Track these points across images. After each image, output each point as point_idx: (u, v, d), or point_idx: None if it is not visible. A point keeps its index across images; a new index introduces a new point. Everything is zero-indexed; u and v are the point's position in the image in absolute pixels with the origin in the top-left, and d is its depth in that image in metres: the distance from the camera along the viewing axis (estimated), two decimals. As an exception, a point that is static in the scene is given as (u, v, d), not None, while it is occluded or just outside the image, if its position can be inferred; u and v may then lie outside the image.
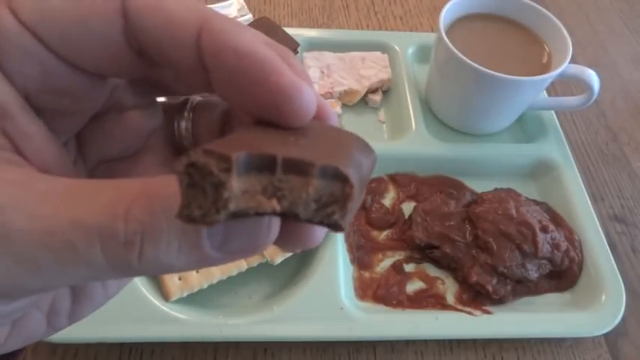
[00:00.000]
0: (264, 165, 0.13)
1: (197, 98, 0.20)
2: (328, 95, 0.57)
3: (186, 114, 0.20)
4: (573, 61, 0.50)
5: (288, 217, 0.13)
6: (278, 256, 0.42)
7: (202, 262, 0.14)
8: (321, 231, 0.16)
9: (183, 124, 0.20)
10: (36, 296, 0.16)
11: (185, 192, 0.12)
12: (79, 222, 0.13)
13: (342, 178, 0.13)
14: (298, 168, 0.13)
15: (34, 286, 0.14)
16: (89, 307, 0.18)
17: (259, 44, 0.15)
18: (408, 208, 0.51)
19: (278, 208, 0.13)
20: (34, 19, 0.14)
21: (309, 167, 0.13)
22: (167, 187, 0.13)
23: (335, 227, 0.13)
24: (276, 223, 0.14)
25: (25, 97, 0.15)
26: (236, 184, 0.12)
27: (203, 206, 0.12)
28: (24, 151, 0.15)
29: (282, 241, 0.15)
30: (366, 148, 0.16)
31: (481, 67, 0.48)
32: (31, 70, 0.15)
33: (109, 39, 0.15)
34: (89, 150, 0.19)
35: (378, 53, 0.62)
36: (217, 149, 0.12)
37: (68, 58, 0.15)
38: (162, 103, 0.20)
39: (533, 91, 0.53)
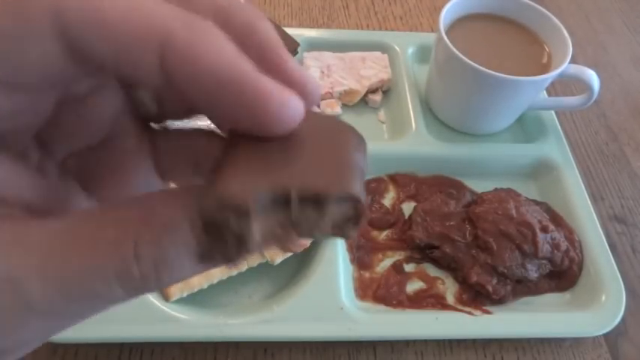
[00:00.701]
0: (279, 202, 0.13)
1: None
2: (328, 95, 0.57)
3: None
4: (573, 61, 0.50)
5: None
6: (278, 256, 0.42)
7: (214, 266, 0.14)
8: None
9: (144, 94, 0.18)
10: None
11: (205, 244, 0.13)
12: (93, 271, 0.13)
13: (354, 199, 0.13)
14: (313, 197, 0.13)
15: (63, 329, 0.14)
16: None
17: (236, 59, 0.13)
18: (408, 208, 0.51)
19: (297, 238, 0.13)
20: None
21: (325, 198, 0.13)
22: (165, 214, 0.13)
23: (347, 238, 0.14)
24: None
25: None
26: (256, 230, 0.12)
27: (226, 254, 0.13)
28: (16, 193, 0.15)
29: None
30: (360, 140, 0.16)
31: (481, 67, 0.48)
32: None
33: (46, 63, 0.13)
34: (52, 147, 0.17)
35: (378, 53, 0.62)
36: (231, 200, 0.12)
37: (3, 82, 0.13)
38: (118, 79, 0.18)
39: (533, 91, 0.53)
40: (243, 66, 0.13)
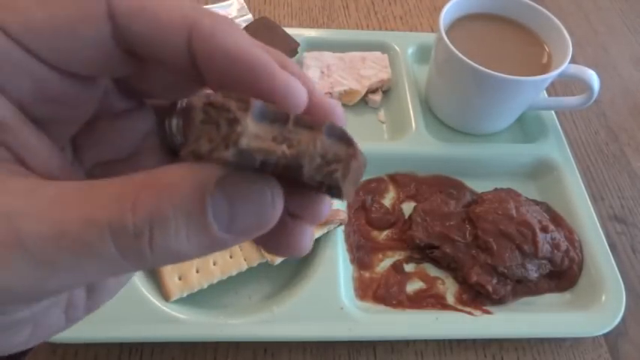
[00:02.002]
0: (277, 118, 0.13)
1: (185, 100, 0.20)
2: (328, 95, 0.57)
3: (177, 114, 0.20)
4: (573, 61, 0.50)
5: (292, 172, 0.13)
6: (278, 256, 0.42)
7: (213, 246, 0.14)
8: (309, 237, 0.17)
9: (174, 122, 0.20)
10: (56, 297, 0.16)
11: (197, 127, 0.13)
12: (89, 219, 0.13)
13: (346, 140, 0.13)
14: (308, 124, 0.13)
15: (53, 288, 0.14)
16: (104, 296, 0.18)
17: (251, 46, 0.15)
18: (408, 208, 0.51)
19: (287, 152, 0.13)
20: (21, 32, 0.14)
21: (318, 124, 0.13)
22: (169, 176, 0.14)
23: (336, 190, 0.14)
24: (279, 200, 0.15)
25: (20, 108, 0.15)
26: (250, 124, 0.13)
27: (214, 140, 0.13)
28: (27, 162, 0.15)
29: (272, 243, 0.17)
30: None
31: (481, 67, 0.48)
32: (24, 83, 0.15)
33: (98, 43, 0.15)
34: (85, 154, 0.19)
35: (378, 53, 0.62)
36: (235, 93, 0.13)
37: (59, 65, 0.15)
38: (152, 105, 0.20)
39: (533, 91, 0.53)
40: (257, 51, 0.15)
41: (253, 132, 0.13)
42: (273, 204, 0.15)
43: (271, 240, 0.17)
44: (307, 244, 0.17)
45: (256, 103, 0.13)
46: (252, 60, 0.15)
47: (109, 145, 0.19)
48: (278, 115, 0.13)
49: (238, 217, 0.14)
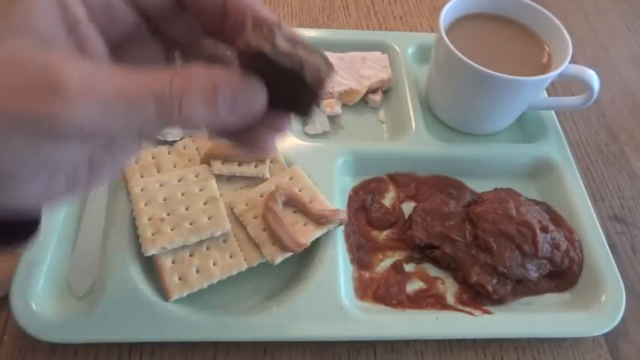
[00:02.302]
0: (293, 40, 0.22)
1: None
2: (328, 95, 0.57)
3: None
4: (573, 61, 0.50)
5: (294, 74, 0.22)
6: (278, 256, 0.42)
7: (215, 120, 0.21)
8: (274, 141, 0.25)
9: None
10: (101, 142, 0.23)
11: (249, 31, 0.21)
12: (141, 87, 0.20)
13: (329, 63, 0.23)
14: (310, 49, 0.22)
15: (101, 126, 0.19)
16: (102, 173, 0.24)
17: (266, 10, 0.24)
18: (408, 208, 0.51)
19: (300, 55, 0.21)
20: None
21: (316, 50, 0.22)
22: (194, 70, 0.21)
23: (317, 87, 0.22)
24: (264, 94, 0.22)
25: (90, 15, 0.22)
26: (281, 38, 0.21)
27: (260, 39, 0.21)
28: (87, 55, 0.22)
29: (249, 140, 0.25)
30: None
31: (481, 67, 0.48)
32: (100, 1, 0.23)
33: None
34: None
35: (378, 53, 0.62)
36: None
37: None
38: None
39: (533, 91, 0.53)
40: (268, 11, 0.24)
41: (283, 43, 0.21)
42: (261, 95, 0.22)
43: (249, 138, 0.25)
44: (272, 145, 0.25)
45: (284, 29, 0.22)
46: (262, 17, 0.23)
47: (130, 61, 0.25)
48: (294, 39, 0.22)
49: (237, 102, 0.22)
